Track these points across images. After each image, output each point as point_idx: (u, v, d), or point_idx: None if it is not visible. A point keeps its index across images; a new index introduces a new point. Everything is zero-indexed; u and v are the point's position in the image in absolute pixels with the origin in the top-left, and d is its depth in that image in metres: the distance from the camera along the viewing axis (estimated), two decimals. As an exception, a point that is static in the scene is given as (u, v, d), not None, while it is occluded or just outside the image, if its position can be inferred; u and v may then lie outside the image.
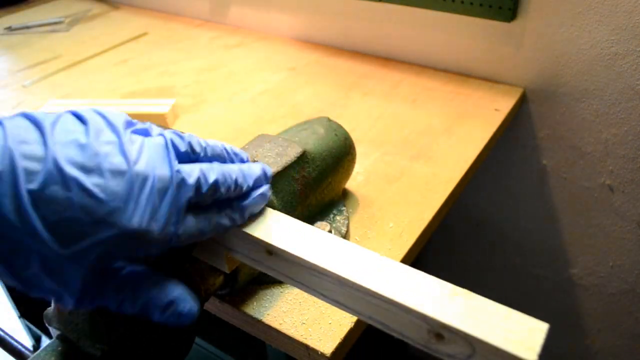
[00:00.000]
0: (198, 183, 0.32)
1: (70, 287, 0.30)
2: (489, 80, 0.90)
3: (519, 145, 0.93)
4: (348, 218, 0.58)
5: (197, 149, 0.34)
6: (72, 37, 1.17)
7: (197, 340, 0.89)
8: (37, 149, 0.28)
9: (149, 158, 0.31)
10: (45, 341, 1.43)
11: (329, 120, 0.62)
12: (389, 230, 0.59)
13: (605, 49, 0.78)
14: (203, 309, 0.48)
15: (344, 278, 0.32)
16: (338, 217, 0.58)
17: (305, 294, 0.51)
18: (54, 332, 0.39)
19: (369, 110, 0.83)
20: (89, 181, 0.28)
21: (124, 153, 0.30)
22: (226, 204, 0.36)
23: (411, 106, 0.84)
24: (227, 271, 0.42)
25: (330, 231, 0.55)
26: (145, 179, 0.30)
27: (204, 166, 0.33)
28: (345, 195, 0.64)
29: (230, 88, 0.92)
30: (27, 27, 1.23)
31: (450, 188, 0.65)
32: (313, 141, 0.57)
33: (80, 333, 0.37)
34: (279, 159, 0.53)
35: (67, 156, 0.28)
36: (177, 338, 0.41)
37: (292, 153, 0.54)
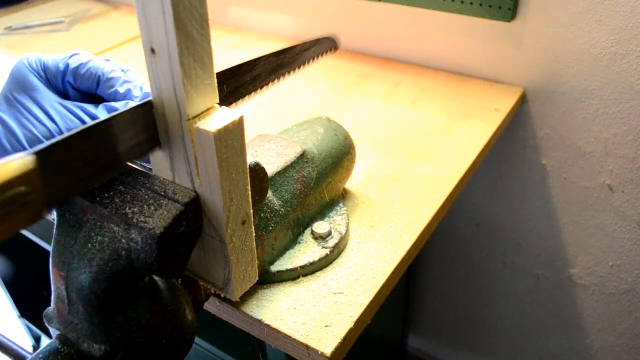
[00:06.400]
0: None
1: None
2: (489, 80, 0.90)
3: (519, 145, 0.93)
4: (348, 218, 0.58)
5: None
6: (72, 37, 1.17)
7: (197, 340, 0.89)
8: None
9: None
10: (45, 341, 1.43)
11: (329, 120, 0.62)
12: (389, 230, 0.59)
13: (605, 49, 0.78)
14: (203, 309, 0.48)
15: None
16: (338, 217, 0.58)
17: (306, 295, 0.51)
18: (54, 332, 0.39)
19: (369, 110, 0.83)
20: None
21: None
22: None
23: (411, 106, 0.84)
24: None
25: (330, 231, 0.55)
26: None
27: None
28: (345, 195, 0.64)
29: (230, 88, 0.92)
30: (28, 27, 1.23)
31: (450, 188, 0.65)
32: (313, 141, 0.57)
33: (80, 333, 0.37)
34: (279, 159, 0.53)
35: None
36: (176, 338, 0.41)
37: (292, 153, 0.54)
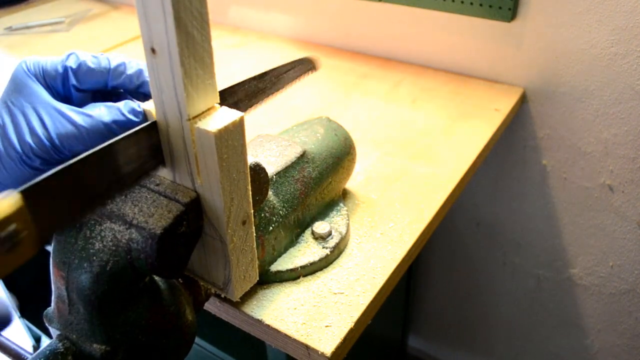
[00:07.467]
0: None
1: None
2: (489, 80, 0.90)
3: (519, 145, 0.93)
4: (348, 218, 0.58)
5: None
6: (72, 37, 1.17)
7: (197, 340, 0.89)
8: None
9: None
10: (45, 341, 1.43)
11: (329, 120, 0.62)
12: (389, 230, 0.59)
13: (605, 49, 0.78)
14: (203, 309, 0.48)
15: None
16: (338, 217, 0.58)
17: (306, 295, 0.51)
18: (54, 332, 0.39)
19: (369, 110, 0.83)
20: None
21: None
22: None
23: (411, 106, 0.84)
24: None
25: (330, 231, 0.55)
26: None
27: None
28: (345, 195, 0.64)
29: (230, 88, 0.92)
30: (28, 27, 1.23)
31: (450, 188, 0.65)
32: (313, 141, 0.57)
33: (80, 333, 0.37)
34: (279, 159, 0.53)
35: None
36: (176, 338, 0.41)
37: (292, 153, 0.54)
